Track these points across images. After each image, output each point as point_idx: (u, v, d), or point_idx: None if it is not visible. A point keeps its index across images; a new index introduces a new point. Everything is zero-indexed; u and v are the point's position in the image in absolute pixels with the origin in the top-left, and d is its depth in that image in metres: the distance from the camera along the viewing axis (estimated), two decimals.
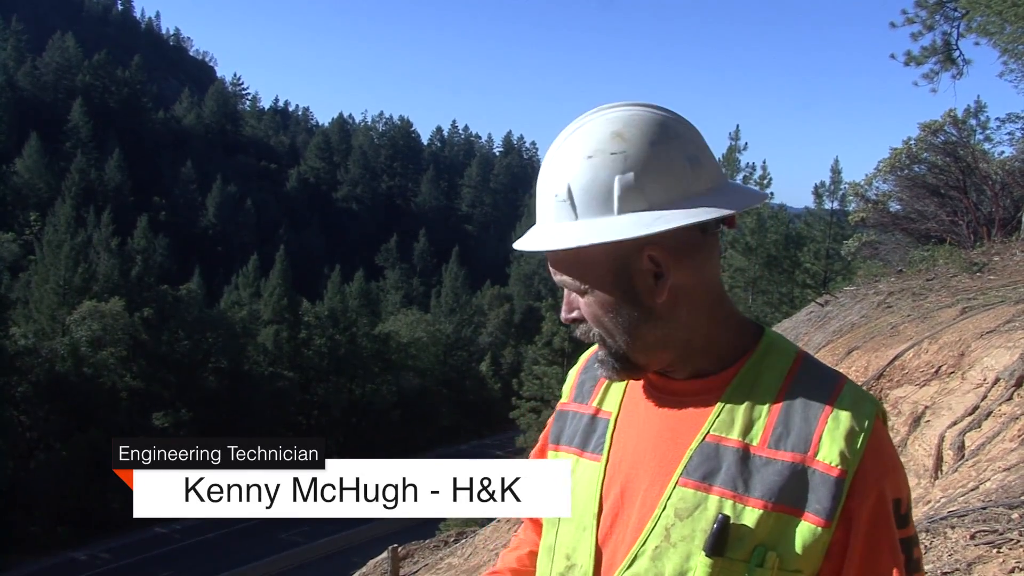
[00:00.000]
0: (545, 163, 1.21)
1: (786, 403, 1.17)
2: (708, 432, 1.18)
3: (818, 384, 1.18)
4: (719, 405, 1.19)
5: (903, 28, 14.75)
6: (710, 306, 1.21)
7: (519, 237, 1.22)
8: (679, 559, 1.14)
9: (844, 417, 1.14)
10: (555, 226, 1.18)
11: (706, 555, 1.11)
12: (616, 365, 1.23)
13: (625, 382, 1.31)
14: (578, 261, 1.18)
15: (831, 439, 1.12)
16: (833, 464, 1.11)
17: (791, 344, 1.26)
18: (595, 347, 1.39)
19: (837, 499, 1.10)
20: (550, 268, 1.23)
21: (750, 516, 1.11)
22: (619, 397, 1.31)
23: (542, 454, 1.42)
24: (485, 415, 55.08)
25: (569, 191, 1.15)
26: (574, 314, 1.23)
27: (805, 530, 1.10)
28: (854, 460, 1.11)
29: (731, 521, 1.11)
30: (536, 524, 1.48)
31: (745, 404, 1.18)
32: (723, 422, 1.17)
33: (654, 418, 1.23)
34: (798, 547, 1.10)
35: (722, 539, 1.11)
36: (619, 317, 1.19)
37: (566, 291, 1.23)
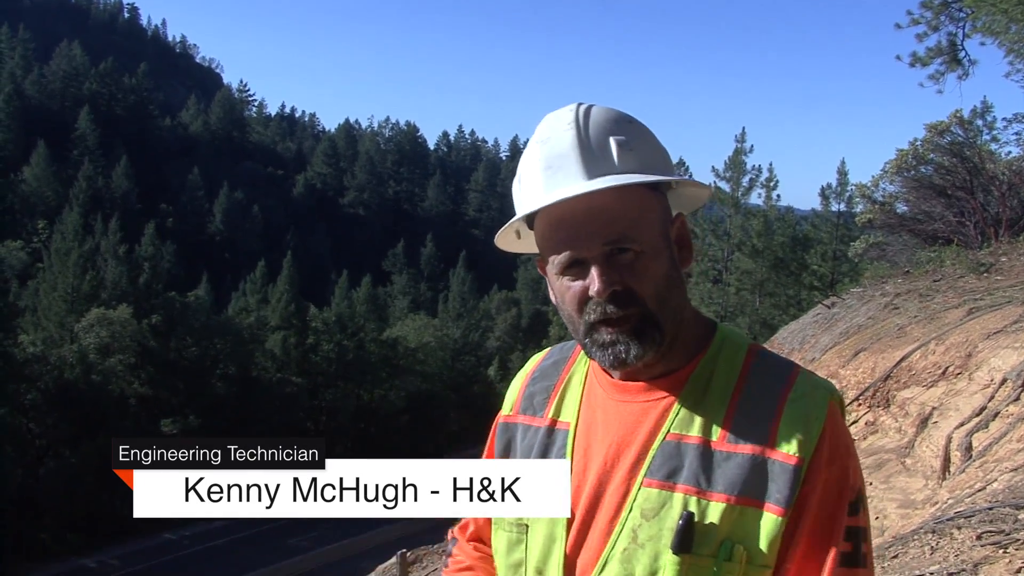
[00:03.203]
0: (567, 123, 1.18)
1: (743, 397, 1.17)
2: (668, 431, 1.18)
3: (772, 375, 1.19)
4: (677, 404, 1.19)
5: (908, 29, 14.74)
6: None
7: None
8: (648, 559, 1.14)
9: (800, 406, 1.14)
10: (624, 175, 1.14)
11: (673, 553, 1.11)
12: (647, 332, 1.16)
13: (580, 392, 1.31)
14: (639, 219, 1.16)
15: (788, 429, 1.12)
16: (791, 453, 1.11)
17: (743, 337, 1.27)
18: (539, 358, 1.43)
19: (795, 487, 1.09)
20: (588, 233, 1.14)
21: (714, 511, 1.12)
22: (576, 406, 1.30)
23: None
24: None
25: (628, 143, 1.17)
26: (617, 286, 1.14)
27: (768, 521, 1.10)
28: (810, 447, 1.11)
29: (696, 517, 1.12)
30: (481, 543, 1.46)
31: (703, 401, 1.18)
32: (682, 420, 1.18)
33: (614, 423, 1.23)
34: (763, 539, 1.10)
35: (688, 536, 1.11)
36: (668, 278, 1.18)
37: (598, 265, 1.14)
